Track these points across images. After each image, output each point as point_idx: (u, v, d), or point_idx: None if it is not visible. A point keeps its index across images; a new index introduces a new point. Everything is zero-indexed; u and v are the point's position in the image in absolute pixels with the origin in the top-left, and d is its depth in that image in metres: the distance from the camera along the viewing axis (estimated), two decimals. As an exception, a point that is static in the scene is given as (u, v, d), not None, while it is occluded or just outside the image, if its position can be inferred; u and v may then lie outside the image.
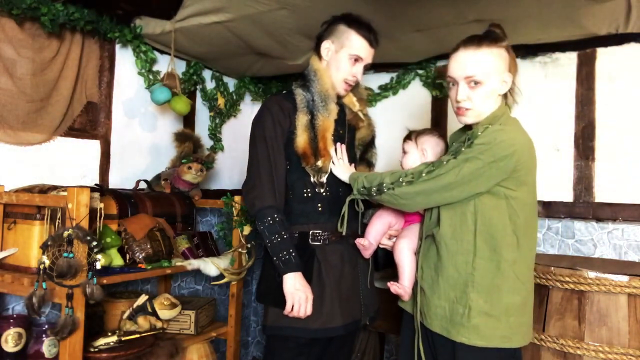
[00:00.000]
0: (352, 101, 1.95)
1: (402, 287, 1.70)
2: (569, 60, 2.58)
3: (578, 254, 2.52)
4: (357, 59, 1.83)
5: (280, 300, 1.74)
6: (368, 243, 1.80)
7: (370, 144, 2.03)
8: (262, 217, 1.74)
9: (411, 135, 1.85)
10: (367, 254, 1.85)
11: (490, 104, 1.55)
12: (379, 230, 1.82)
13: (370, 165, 2.03)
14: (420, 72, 3.00)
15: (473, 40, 1.54)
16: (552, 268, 1.94)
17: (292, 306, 1.71)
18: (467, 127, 1.65)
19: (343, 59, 1.82)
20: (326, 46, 1.85)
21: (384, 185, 1.60)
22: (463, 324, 1.48)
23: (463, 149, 1.47)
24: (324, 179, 1.82)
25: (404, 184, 1.55)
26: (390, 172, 1.64)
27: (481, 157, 1.44)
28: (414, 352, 1.65)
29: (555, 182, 2.57)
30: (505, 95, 1.60)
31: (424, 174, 1.52)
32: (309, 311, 1.72)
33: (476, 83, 1.52)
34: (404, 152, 1.85)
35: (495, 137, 1.45)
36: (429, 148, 1.80)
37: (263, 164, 1.78)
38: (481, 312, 1.48)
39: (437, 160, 1.55)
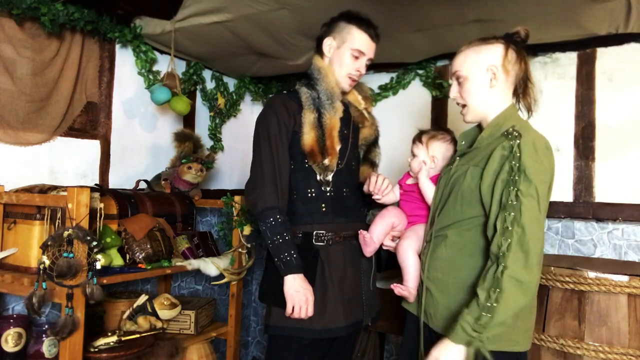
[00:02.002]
0: (357, 99, 1.95)
1: (407, 288, 1.68)
2: (569, 60, 2.59)
3: (578, 254, 2.52)
4: (359, 53, 1.83)
5: (284, 300, 1.73)
6: (369, 237, 1.79)
7: (373, 143, 2.02)
8: (264, 218, 1.74)
9: (422, 138, 1.81)
10: (368, 251, 1.83)
11: (482, 99, 1.56)
12: (381, 231, 1.80)
13: (373, 165, 2.02)
14: (420, 72, 3.00)
15: (469, 41, 1.59)
16: (552, 268, 1.94)
17: (293, 308, 1.71)
18: (479, 127, 1.66)
19: (345, 54, 1.83)
20: (328, 43, 1.85)
21: (491, 278, 1.36)
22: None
23: (516, 177, 1.40)
24: (330, 177, 1.82)
25: (506, 253, 1.35)
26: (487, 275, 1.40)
27: (542, 177, 1.43)
28: (417, 353, 1.64)
29: (555, 182, 2.56)
30: (517, 97, 1.60)
31: (509, 227, 1.36)
32: (310, 312, 1.72)
33: (462, 78, 1.58)
34: (413, 155, 1.82)
35: (535, 150, 1.43)
36: (440, 155, 1.78)
37: (266, 164, 1.77)
38: None
39: (502, 208, 1.40)
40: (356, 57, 1.83)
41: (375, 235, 1.80)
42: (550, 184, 1.48)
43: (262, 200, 1.75)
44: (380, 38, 1.89)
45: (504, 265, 1.35)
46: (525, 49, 1.60)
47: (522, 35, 1.56)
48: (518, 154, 1.41)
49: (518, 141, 1.43)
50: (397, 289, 1.70)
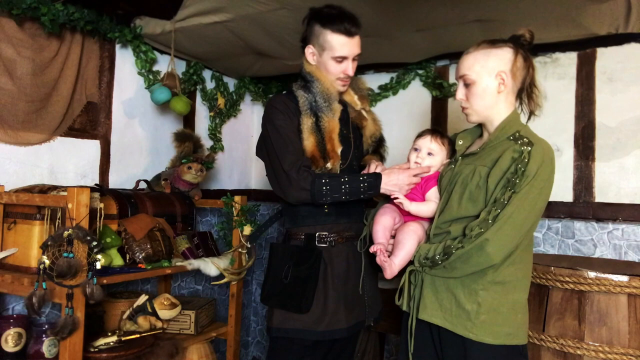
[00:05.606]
0: (353, 100, 1.94)
1: (390, 262, 1.61)
2: (569, 60, 2.58)
3: (578, 254, 2.52)
4: (341, 58, 1.78)
5: (286, 302, 1.73)
6: (382, 246, 1.68)
7: (381, 138, 2.03)
8: (317, 190, 1.68)
9: (448, 142, 1.76)
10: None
11: (489, 103, 1.57)
12: (387, 226, 1.73)
13: (382, 158, 2.03)
14: (420, 72, 3.00)
15: (477, 43, 1.58)
16: (552, 268, 1.94)
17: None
18: (478, 127, 1.67)
19: (328, 61, 1.79)
20: (310, 51, 1.83)
21: (451, 246, 1.50)
22: (471, 320, 1.49)
23: (517, 180, 1.45)
24: None
25: (473, 238, 1.46)
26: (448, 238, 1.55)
27: (541, 185, 1.47)
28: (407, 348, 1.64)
29: (555, 182, 2.55)
30: (520, 99, 1.61)
31: (489, 220, 1.46)
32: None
33: (470, 82, 1.57)
34: (431, 153, 1.74)
35: (542, 161, 1.47)
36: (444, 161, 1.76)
37: (282, 153, 1.73)
38: (490, 309, 1.49)
39: (492, 202, 1.48)
40: (339, 61, 1.80)
41: (381, 234, 1.72)
42: (547, 191, 1.52)
43: (299, 185, 1.69)
44: (381, 38, 1.88)
45: (462, 245, 1.47)
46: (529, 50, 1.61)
47: (528, 38, 1.56)
48: (526, 160, 1.46)
49: (530, 148, 1.48)
50: (381, 256, 1.63)
